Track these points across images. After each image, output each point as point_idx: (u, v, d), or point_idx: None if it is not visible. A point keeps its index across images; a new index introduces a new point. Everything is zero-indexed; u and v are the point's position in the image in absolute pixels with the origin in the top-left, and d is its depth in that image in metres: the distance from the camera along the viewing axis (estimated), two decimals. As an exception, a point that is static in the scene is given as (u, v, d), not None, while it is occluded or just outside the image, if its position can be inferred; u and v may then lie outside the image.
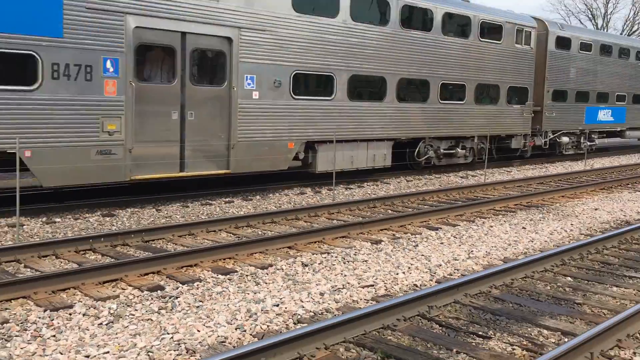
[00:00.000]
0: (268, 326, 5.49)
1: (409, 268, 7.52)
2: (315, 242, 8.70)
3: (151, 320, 5.60)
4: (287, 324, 5.57)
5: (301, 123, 13.18)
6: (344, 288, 6.68)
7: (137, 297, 6.26)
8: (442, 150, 16.97)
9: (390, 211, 11.47)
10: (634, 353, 5.00)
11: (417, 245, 8.71)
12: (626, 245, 8.88)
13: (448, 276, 7.25)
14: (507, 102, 18.64)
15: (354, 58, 14.13)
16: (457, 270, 7.55)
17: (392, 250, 8.39)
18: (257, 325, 5.49)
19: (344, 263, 7.70)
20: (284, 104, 12.80)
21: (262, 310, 5.88)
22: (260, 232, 9.45)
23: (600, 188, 14.94)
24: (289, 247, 8.36)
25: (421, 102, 15.97)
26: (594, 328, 5.03)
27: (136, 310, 5.85)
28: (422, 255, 8.19)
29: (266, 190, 13.36)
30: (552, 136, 21.13)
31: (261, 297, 6.25)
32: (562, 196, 13.60)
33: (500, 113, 18.52)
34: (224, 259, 7.67)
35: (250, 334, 5.31)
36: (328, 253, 8.14)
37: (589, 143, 23.02)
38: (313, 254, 8.06)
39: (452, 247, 8.67)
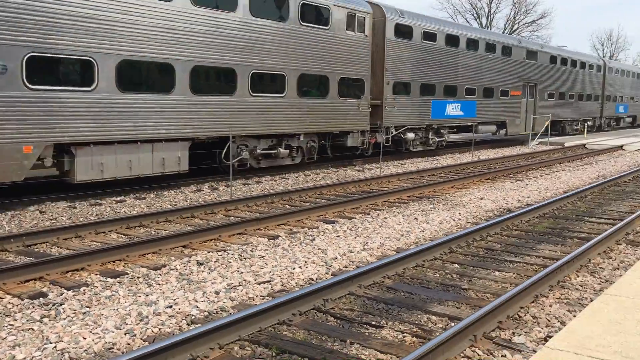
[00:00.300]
0: (160, 329, 5.31)
1: (306, 262, 7.57)
2: (211, 240, 8.54)
3: (32, 329, 5.25)
4: (180, 326, 5.42)
5: (42, 120, 10.43)
6: (240, 285, 6.61)
7: (17, 305, 5.84)
8: (259, 151, 14.99)
9: (288, 206, 11.50)
10: (513, 333, 5.33)
11: (314, 239, 8.79)
12: (507, 232, 9.46)
13: (343, 268, 7.37)
14: (339, 96, 16.88)
15: (123, 39, 11.53)
16: (353, 262, 7.70)
17: (289, 245, 8.41)
18: (148, 328, 5.30)
19: (241, 260, 7.62)
20: (12, 95, 10.05)
21: (154, 312, 5.68)
22: (153, 232, 9.14)
23: (485, 178, 15.83)
24: (184, 246, 8.15)
25: (226, 95, 13.69)
26: (477, 312, 5.30)
27: (15, 320, 5.46)
28: (319, 248, 8.28)
29: (161, 189, 12.95)
30: (395, 132, 19.76)
31: (153, 299, 6.04)
32: (452, 187, 14.27)
33: (331, 108, 16.72)
34: (114, 262, 7.34)
35: (141, 338, 5.11)
36: (224, 250, 8.02)
37: (437, 139, 22.20)
38: (209, 252, 7.91)
39: (348, 240, 8.84)
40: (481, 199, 12.71)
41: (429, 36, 21.03)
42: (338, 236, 9.07)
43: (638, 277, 5.81)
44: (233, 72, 13.74)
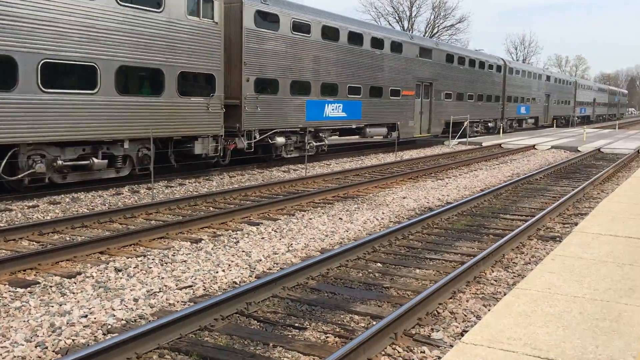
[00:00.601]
0: (73, 340, 5.08)
1: (229, 265, 7.48)
2: (130, 245, 8.28)
3: None
4: (95, 336, 5.21)
5: None
6: (160, 292, 6.43)
7: None
8: (61, 162, 11.85)
9: (212, 208, 11.33)
10: (432, 329, 5.48)
11: (238, 242, 8.70)
12: (428, 230, 9.73)
13: (267, 271, 7.34)
14: (179, 93, 14.05)
15: None
16: (277, 264, 7.67)
17: (212, 249, 8.28)
18: (60, 340, 5.06)
19: (162, 265, 7.43)
20: None
21: (67, 323, 5.43)
22: (68, 238, 8.75)
23: (408, 178, 16.23)
24: (101, 253, 7.85)
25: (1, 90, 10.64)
26: (398, 310, 5.41)
27: None
28: (243, 251, 8.20)
29: (77, 192, 12.42)
30: (260, 137, 17.02)
31: (67, 309, 5.77)
32: (375, 186, 14.53)
33: (167, 108, 13.83)
34: (24, 270, 6.97)
35: (53, 351, 4.87)
36: (144, 256, 7.79)
37: (315, 143, 19.69)
38: (128, 258, 7.66)
39: (272, 242, 8.80)
40: (404, 198, 13.01)
41: (302, 27, 18.32)
42: (262, 238, 9.02)
43: (547, 271, 6.11)
44: (12, 61, 10.71)
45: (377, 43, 22.60)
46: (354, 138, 24.36)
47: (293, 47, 18.15)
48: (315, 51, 19.17)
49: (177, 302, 6.15)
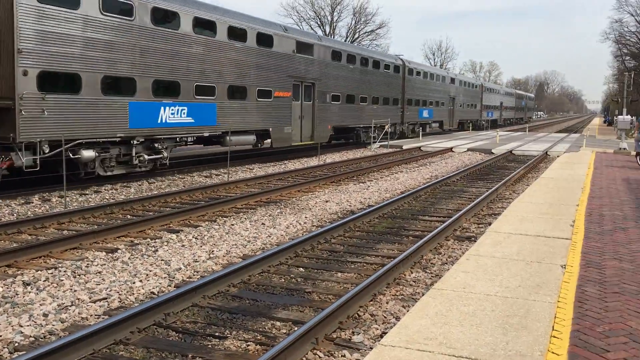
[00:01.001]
0: (-25, 362, 4.76)
1: (147, 275, 7.25)
2: (40, 257, 7.85)
3: None
4: (0, 355, 4.89)
5: None
6: (72, 305, 6.14)
7: None
8: None
9: (129, 216, 10.96)
10: (352, 332, 5.53)
11: (156, 250, 8.45)
12: (350, 233, 9.85)
13: (187, 280, 7.17)
14: None
15: None
16: (197, 272, 7.51)
17: (129, 258, 8.00)
18: (-40, 362, 4.72)
19: (74, 277, 7.10)
20: None
21: (-32, 343, 5.07)
22: (-29, 252, 8.19)
23: (331, 181, 16.36)
24: (8, 266, 7.40)
25: None
26: (319, 314, 5.43)
27: None
28: (162, 260, 7.97)
29: (-18, 202, 11.67)
30: (52, 151, 12.60)
31: (-32, 329, 5.39)
32: (298, 191, 14.55)
33: None
34: None
35: (-49, 375, 4.54)
36: (55, 268, 7.41)
37: (147, 157, 15.33)
38: (37, 271, 7.27)
39: (193, 249, 8.62)
40: (326, 202, 13.10)
41: (117, 7, 14.19)
42: (183, 246, 8.81)
43: (462, 270, 6.33)
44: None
45: (235, 34, 18.62)
46: (223, 148, 20.22)
47: (102, 32, 13.71)
48: (143, 40, 14.90)
49: (91, 315, 5.89)
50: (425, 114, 39.04)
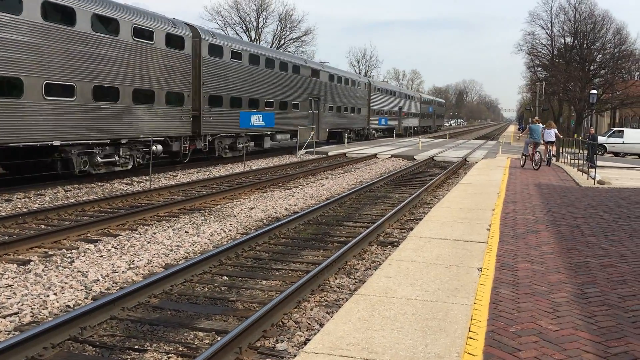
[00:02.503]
0: None
1: (62, 288, 6.94)
2: (-57, 272, 7.34)
3: None
4: None
5: None
6: (-21, 322, 5.78)
7: None
8: None
9: (43, 226, 10.45)
10: (277, 340, 5.52)
11: (73, 262, 8.10)
12: (275, 240, 9.83)
13: (106, 291, 6.92)
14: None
15: None
16: (116, 283, 7.26)
17: (43, 270, 7.63)
18: None
19: (-18, 292, 6.68)
20: None
21: None
22: None
23: (256, 188, 16.27)
24: None
25: None
26: (242, 323, 5.38)
27: None
28: (79, 271, 7.65)
29: None
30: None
31: None
32: (223, 198, 14.37)
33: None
34: None
35: None
36: (-40, 283, 6.96)
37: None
38: (-60, 286, 6.79)
39: (112, 259, 8.32)
40: (252, 208, 13.02)
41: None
42: (101, 256, 8.50)
43: (384, 275, 6.45)
44: None
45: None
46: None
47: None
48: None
49: (0, 332, 5.56)
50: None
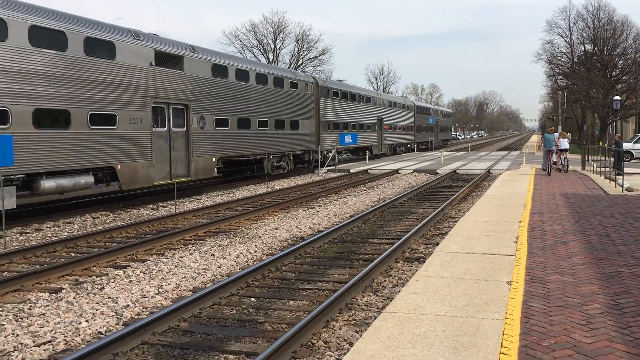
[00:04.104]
0: None
1: (94, 315, 7.03)
2: (-22, 302, 7.50)
3: None
4: (-64, 411, 4.63)
5: None
6: (15, 351, 5.88)
7: None
8: None
9: (73, 254, 10.61)
10: (307, 361, 5.51)
11: (103, 288, 8.21)
12: (301, 260, 9.84)
13: (136, 317, 6.99)
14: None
15: None
16: (146, 308, 7.34)
17: (74, 298, 7.74)
18: None
19: (16, 321, 6.81)
20: None
21: None
22: None
23: (280, 208, 16.34)
24: (-57, 313, 7.03)
25: None
26: (272, 345, 5.39)
27: None
28: (109, 297, 7.75)
29: None
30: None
31: None
32: (247, 219, 14.46)
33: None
34: None
35: None
36: (-5, 312, 7.09)
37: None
38: (-25, 317, 6.93)
39: (141, 285, 8.41)
40: (276, 229, 13.06)
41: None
42: (130, 282, 8.60)
43: (412, 292, 6.42)
44: None
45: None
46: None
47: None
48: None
49: (34, 360, 5.65)
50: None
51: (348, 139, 35.20)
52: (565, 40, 58.92)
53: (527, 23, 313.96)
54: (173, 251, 10.75)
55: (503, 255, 8.22)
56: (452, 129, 76.58)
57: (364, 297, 7.63)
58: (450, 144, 73.10)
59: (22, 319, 6.89)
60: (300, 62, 64.87)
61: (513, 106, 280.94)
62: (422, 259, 9.59)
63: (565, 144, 24.32)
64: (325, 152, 31.00)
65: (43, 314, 7.05)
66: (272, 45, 63.70)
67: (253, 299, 7.65)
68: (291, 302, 7.47)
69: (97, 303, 7.50)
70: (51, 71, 13.85)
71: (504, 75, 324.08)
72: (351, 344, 5.86)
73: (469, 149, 58.76)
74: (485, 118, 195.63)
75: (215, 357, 5.68)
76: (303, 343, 5.86)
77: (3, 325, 6.64)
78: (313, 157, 29.43)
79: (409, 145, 51.45)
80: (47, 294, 7.94)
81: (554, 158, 24.53)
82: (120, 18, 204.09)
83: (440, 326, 5.28)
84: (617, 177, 18.31)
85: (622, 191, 16.58)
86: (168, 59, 18.17)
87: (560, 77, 62.57)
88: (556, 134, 25.25)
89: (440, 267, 7.55)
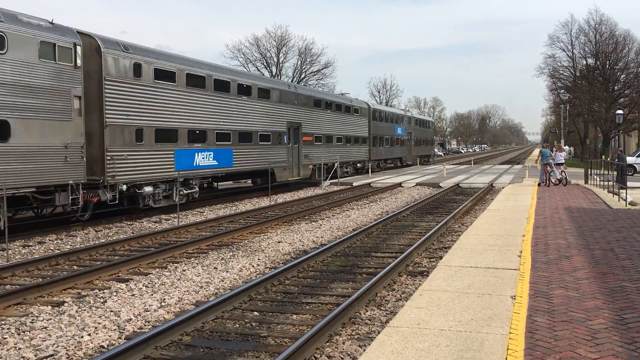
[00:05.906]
0: None
1: (96, 328, 7.01)
2: (-19, 315, 7.48)
3: None
4: None
5: None
6: (16, 365, 5.86)
7: None
8: None
9: (75, 267, 10.61)
10: (310, 376, 5.48)
11: (105, 301, 8.19)
12: (304, 273, 9.81)
13: (138, 330, 6.96)
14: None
15: None
16: (149, 322, 7.31)
17: (77, 311, 7.72)
18: None
19: (18, 334, 6.79)
20: None
21: None
22: None
23: (282, 221, 16.32)
24: (-55, 326, 7.01)
25: None
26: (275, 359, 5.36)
27: None
28: (112, 311, 7.73)
29: None
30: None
31: None
32: (250, 232, 14.44)
33: None
34: None
35: None
36: (-3, 326, 7.07)
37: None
38: (-22, 330, 6.91)
39: (144, 298, 8.39)
40: (279, 242, 13.04)
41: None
42: (133, 295, 8.58)
43: (415, 306, 6.39)
44: None
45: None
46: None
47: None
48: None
49: (36, 375, 5.63)
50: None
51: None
52: (567, 54, 59.09)
53: (529, 37, 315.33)
54: (176, 264, 10.73)
55: (507, 269, 8.18)
56: (434, 141, 61.59)
57: (367, 311, 7.60)
58: (432, 161, 59.54)
59: (24, 332, 6.87)
60: (303, 76, 65.13)
61: (515, 120, 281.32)
62: (425, 273, 9.55)
63: (560, 158, 25.29)
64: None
65: (45, 328, 7.03)
66: (275, 59, 63.98)
67: (256, 312, 7.62)
68: (294, 316, 7.44)
69: (100, 316, 7.48)
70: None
71: (506, 89, 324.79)
72: (354, 359, 5.82)
73: (472, 162, 58.74)
74: (488, 131, 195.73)
75: (218, 372, 5.65)
76: (306, 358, 5.82)
77: (5, 338, 6.62)
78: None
79: (358, 165, 36.74)
80: (50, 307, 7.92)
81: (557, 174, 25.08)
82: (124, 32, 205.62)
83: (445, 341, 5.25)
84: (621, 191, 18.27)
85: (626, 205, 16.54)
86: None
87: (562, 90, 62.67)
88: (554, 149, 26.60)
89: (444, 281, 7.52)
